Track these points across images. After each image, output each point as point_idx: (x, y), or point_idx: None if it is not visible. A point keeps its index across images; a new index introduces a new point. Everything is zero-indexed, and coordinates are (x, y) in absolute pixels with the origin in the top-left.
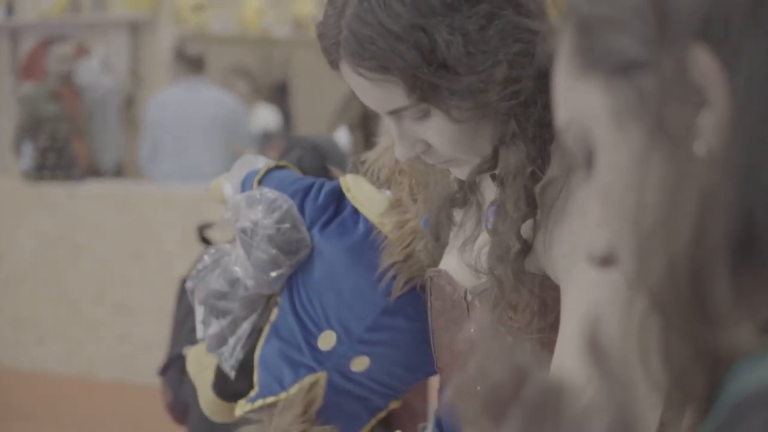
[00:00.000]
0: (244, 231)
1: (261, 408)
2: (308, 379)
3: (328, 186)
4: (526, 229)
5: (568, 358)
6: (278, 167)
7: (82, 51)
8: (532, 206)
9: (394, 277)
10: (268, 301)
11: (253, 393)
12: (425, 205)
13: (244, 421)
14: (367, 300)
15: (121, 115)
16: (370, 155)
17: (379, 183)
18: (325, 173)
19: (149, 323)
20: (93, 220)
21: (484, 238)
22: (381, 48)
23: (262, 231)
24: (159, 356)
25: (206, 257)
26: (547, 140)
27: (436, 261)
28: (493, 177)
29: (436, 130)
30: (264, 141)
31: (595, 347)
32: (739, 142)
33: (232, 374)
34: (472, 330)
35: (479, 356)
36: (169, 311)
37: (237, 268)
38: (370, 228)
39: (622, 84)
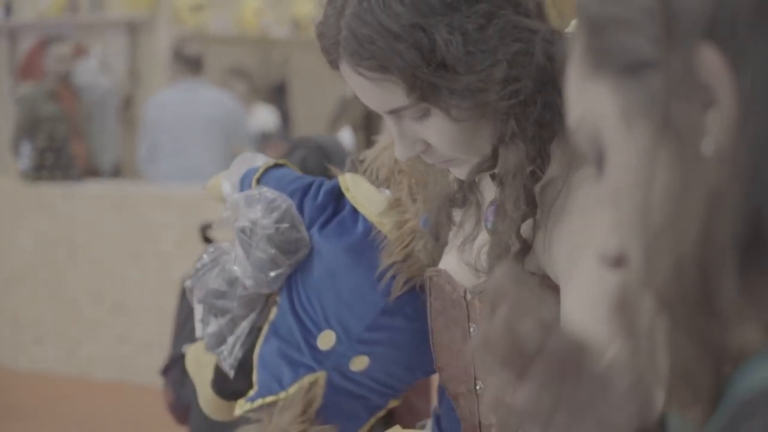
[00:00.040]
0: (242, 230)
1: (260, 407)
2: (307, 379)
3: (327, 185)
4: (525, 228)
5: None
6: (277, 165)
7: (80, 51)
8: (531, 206)
9: (393, 277)
10: (267, 300)
11: (252, 392)
12: (424, 205)
13: (244, 420)
14: (367, 300)
15: (120, 116)
16: (369, 154)
17: (378, 182)
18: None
19: (148, 323)
20: (91, 221)
21: (483, 237)
22: (380, 47)
23: (261, 230)
24: (158, 356)
25: (205, 256)
26: (547, 140)
27: (435, 261)
28: (493, 177)
29: (436, 130)
30: (262, 141)
31: (623, 305)
32: (746, 142)
33: (231, 373)
34: (472, 329)
35: (506, 307)
36: (168, 311)
37: (236, 268)
38: (369, 227)
39: (632, 83)
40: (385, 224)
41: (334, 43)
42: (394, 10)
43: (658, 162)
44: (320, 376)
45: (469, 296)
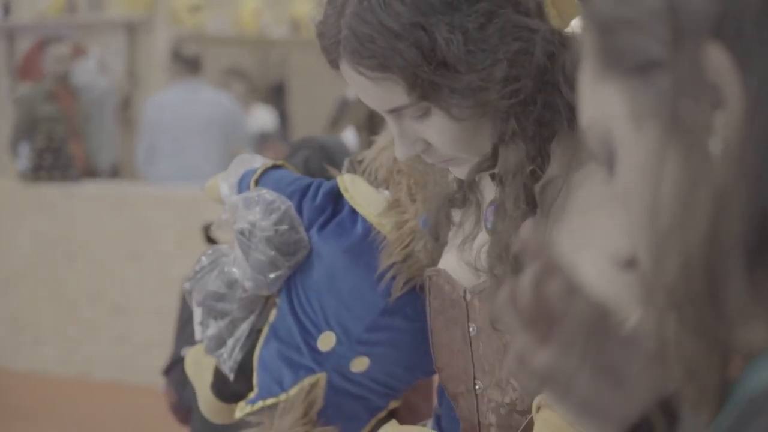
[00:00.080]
0: (242, 232)
1: (261, 410)
2: (308, 380)
3: (325, 186)
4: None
5: None
6: (275, 167)
7: (78, 52)
8: (531, 205)
9: (393, 278)
10: (267, 302)
11: (252, 395)
12: (424, 205)
13: (245, 423)
14: (366, 300)
15: (118, 116)
16: (368, 155)
17: (377, 183)
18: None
19: (146, 323)
20: (90, 221)
21: (483, 236)
22: (381, 46)
23: (260, 232)
24: (156, 356)
25: (203, 258)
26: (547, 139)
27: (435, 261)
28: (492, 176)
29: (437, 129)
30: (261, 142)
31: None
32: (753, 141)
33: (231, 376)
34: (471, 329)
35: (535, 267)
36: (167, 311)
37: (235, 270)
38: (368, 228)
39: (641, 84)
40: (384, 225)
41: (335, 42)
42: (395, 9)
43: (667, 161)
44: (321, 377)
45: (468, 296)
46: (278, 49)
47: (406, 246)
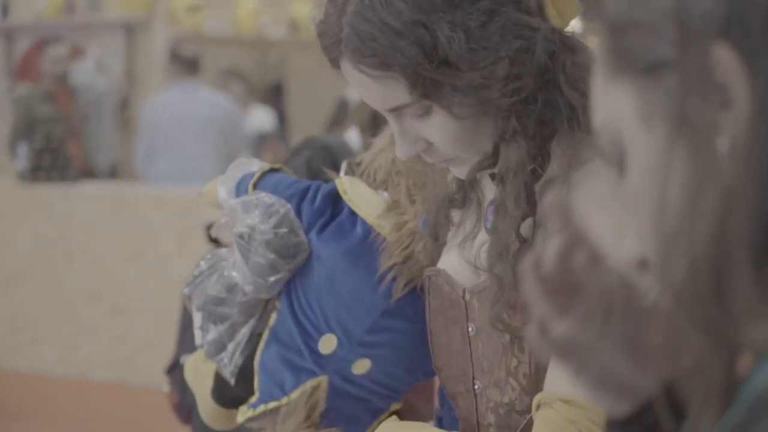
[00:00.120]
0: (241, 236)
1: (263, 414)
2: (309, 383)
3: (324, 189)
4: (525, 227)
5: None
6: (273, 170)
7: (76, 52)
8: (532, 204)
9: (393, 279)
10: (266, 306)
11: (254, 399)
12: (423, 206)
13: (246, 429)
14: (367, 302)
15: (116, 116)
16: (366, 157)
17: (376, 185)
18: (325, 177)
19: (146, 324)
20: (89, 221)
21: (483, 235)
22: (382, 45)
23: (260, 236)
24: (155, 357)
25: (202, 263)
26: (547, 138)
27: (434, 261)
28: (492, 177)
29: (438, 128)
30: (259, 142)
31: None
32: (760, 141)
33: (232, 380)
34: (470, 329)
35: (563, 236)
36: (166, 312)
37: (235, 274)
38: (368, 230)
39: (650, 84)
40: (384, 226)
41: (336, 41)
42: (396, 8)
43: (674, 161)
44: (322, 380)
45: (467, 296)
46: (276, 50)
47: (407, 247)
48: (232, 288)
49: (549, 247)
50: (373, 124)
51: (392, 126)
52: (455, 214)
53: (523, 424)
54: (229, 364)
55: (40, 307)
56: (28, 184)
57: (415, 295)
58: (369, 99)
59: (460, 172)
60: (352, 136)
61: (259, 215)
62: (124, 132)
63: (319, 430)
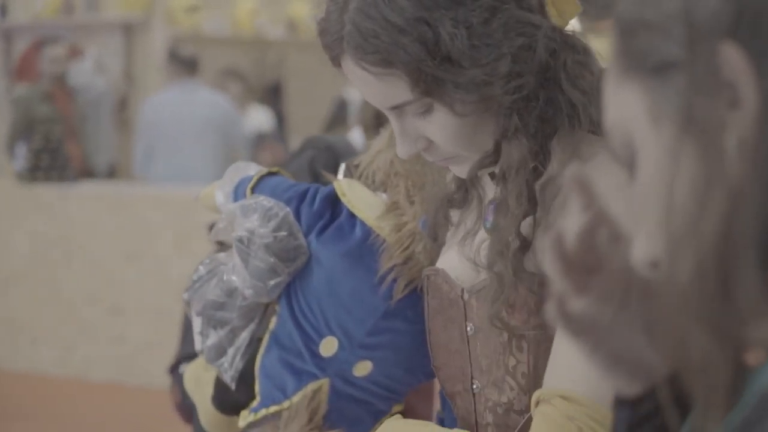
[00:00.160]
0: (240, 240)
1: (264, 418)
2: (311, 387)
3: (323, 191)
4: (525, 226)
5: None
6: (270, 173)
7: (75, 52)
8: (532, 203)
9: (393, 281)
10: (266, 310)
11: (255, 403)
12: (422, 207)
13: None
14: (367, 304)
15: (115, 117)
16: (364, 159)
17: (375, 186)
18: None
19: (145, 324)
20: (88, 221)
21: (484, 233)
22: (385, 42)
23: (259, 240)
24: (155, 357)
25: (201, 268)
26: (548, 136)
27: (434, 261)
28: (492, 176)
29: (439, 125)
30: (257, 142)
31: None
32: (767, 141)
33: (233, 385)
34: (469, 329)
35: (587, 214)
36: (165, 312)
37: (234, 278)
38: (367, 232)
39: (659, 84)
40: (383, 228)
41: (337, 38)
42: (399, 4)
43: (682, 160)
44: (324, 383)
45: (466, 296)
46: (275, 50)
47: (406, 248)
48: (231, 292)
49: (571, 224)
50: (376, 123)
51: (393, 124)
52: (454, 214)
53: (521, 424)
54: (230, 368)
55: (39, 308)
56: (27, 184)
57: (416, 296)
58: (370, 97)
59: (461, 170)
60: (356, 135)
61: (258, 219)
62: (123, 132)
63: None
